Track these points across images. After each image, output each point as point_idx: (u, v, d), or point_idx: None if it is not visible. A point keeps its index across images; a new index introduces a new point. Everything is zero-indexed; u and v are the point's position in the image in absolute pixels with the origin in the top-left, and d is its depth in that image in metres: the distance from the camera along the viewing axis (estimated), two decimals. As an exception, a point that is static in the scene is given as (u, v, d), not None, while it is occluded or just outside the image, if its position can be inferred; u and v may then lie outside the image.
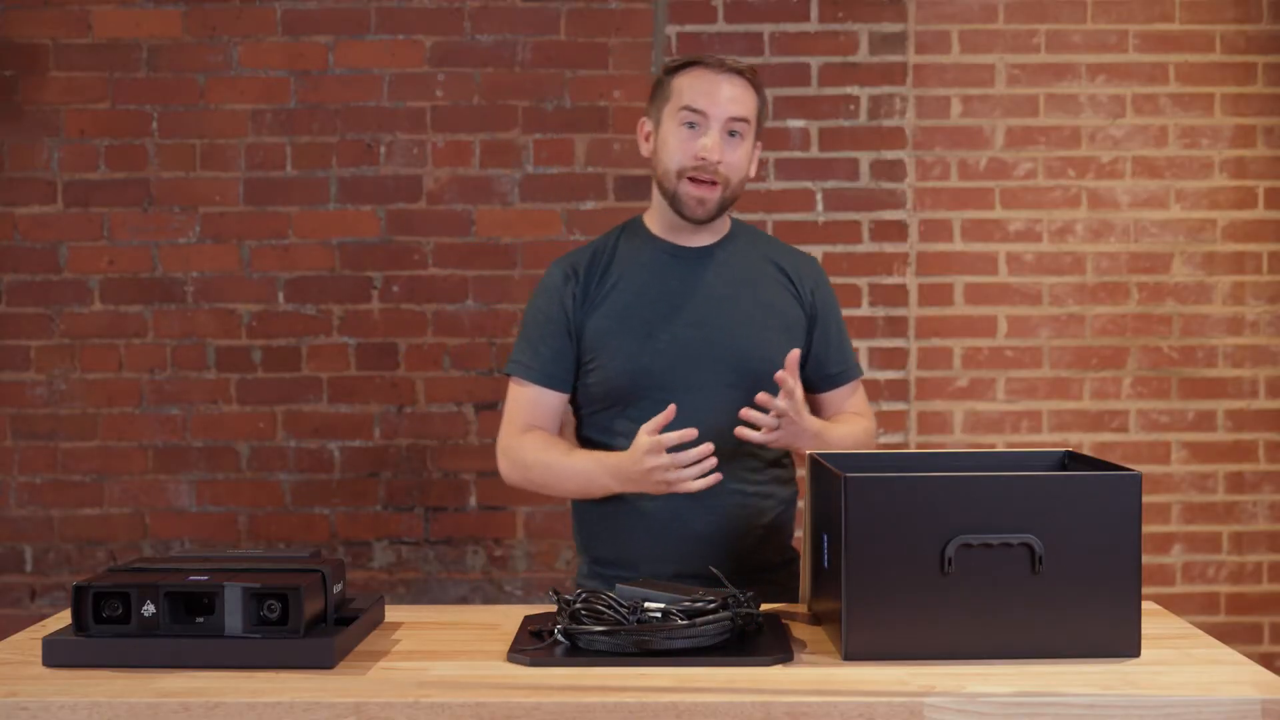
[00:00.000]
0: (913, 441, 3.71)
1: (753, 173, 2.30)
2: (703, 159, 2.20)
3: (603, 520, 2.29)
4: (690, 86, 2.23)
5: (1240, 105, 3.71)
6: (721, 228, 2.34)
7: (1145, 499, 3.54)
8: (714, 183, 2.22)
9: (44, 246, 3.67)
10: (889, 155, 3.70)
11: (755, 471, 2.27)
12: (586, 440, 2.33)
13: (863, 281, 3.69)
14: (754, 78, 2.26)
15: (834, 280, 2.67)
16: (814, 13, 3.69)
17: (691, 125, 2.22)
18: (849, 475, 1.73)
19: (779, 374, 2.08)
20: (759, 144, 2.32)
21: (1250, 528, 3.73)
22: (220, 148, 3.67)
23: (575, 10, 3.68)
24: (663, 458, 2.03)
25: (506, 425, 2.31)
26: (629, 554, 2.26)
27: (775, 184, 3.70)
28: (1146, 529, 3.60)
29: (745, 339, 2.26)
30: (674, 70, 2.28)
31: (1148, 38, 3.70)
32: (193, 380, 3.68)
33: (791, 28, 3.69)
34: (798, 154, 3.69)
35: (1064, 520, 1.73)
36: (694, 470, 2.04)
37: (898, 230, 3.69)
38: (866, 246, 3.67)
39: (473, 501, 3.68)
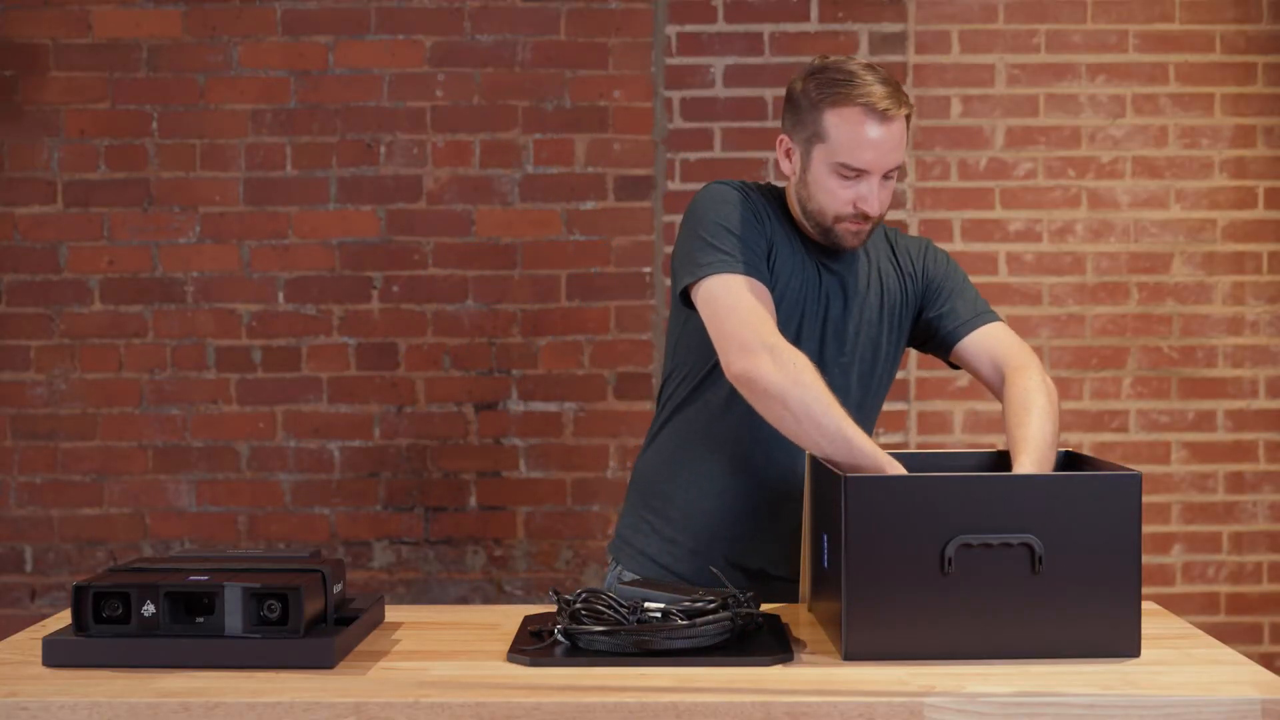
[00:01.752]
0: (913, 441, 3.71)
1: None
2: (861, 210, 2.10)
3: (681, 485, 2.24)
4: (848, 141, 2.06)
5: (1240, 105, 3.71)
6: None
7: (1145, 499, 3.54)
8: (868, 219, 2.14)
9: (44, 246, 3.67)
10: (889, 155, 3.70)
11: None
12: (671, 398, 2.26)
13: (863, 281, 3.69)
14: (910, 111, 2.11)
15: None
16: (814, 13, 3.69)
17: (848, 178, 2.09)
18: (849, 475, 1.73)
19: None
20: None
21: (1250, 528, 3.73)
22: (220, 148, 3.67)
23: (575, 10, 3.68)
24: None
25: (751, 320, 2.02)
26: (696, 526, 2.23)
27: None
28: (1146, 529, 3.61)
29: (861, 348, 2.23)
30: (828, 102, 2.07)
31: (1148, 38, 3.70)
32: (193, 380, 3.68)
33: (791, 28, 3.69)
34: (798, 154, 3.69)
35: (1064, 520, 1.73)
36: None
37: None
38: (866, 246, 3.67)
39: (473, 501, 3.69)
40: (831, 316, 2.20)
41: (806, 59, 3.68)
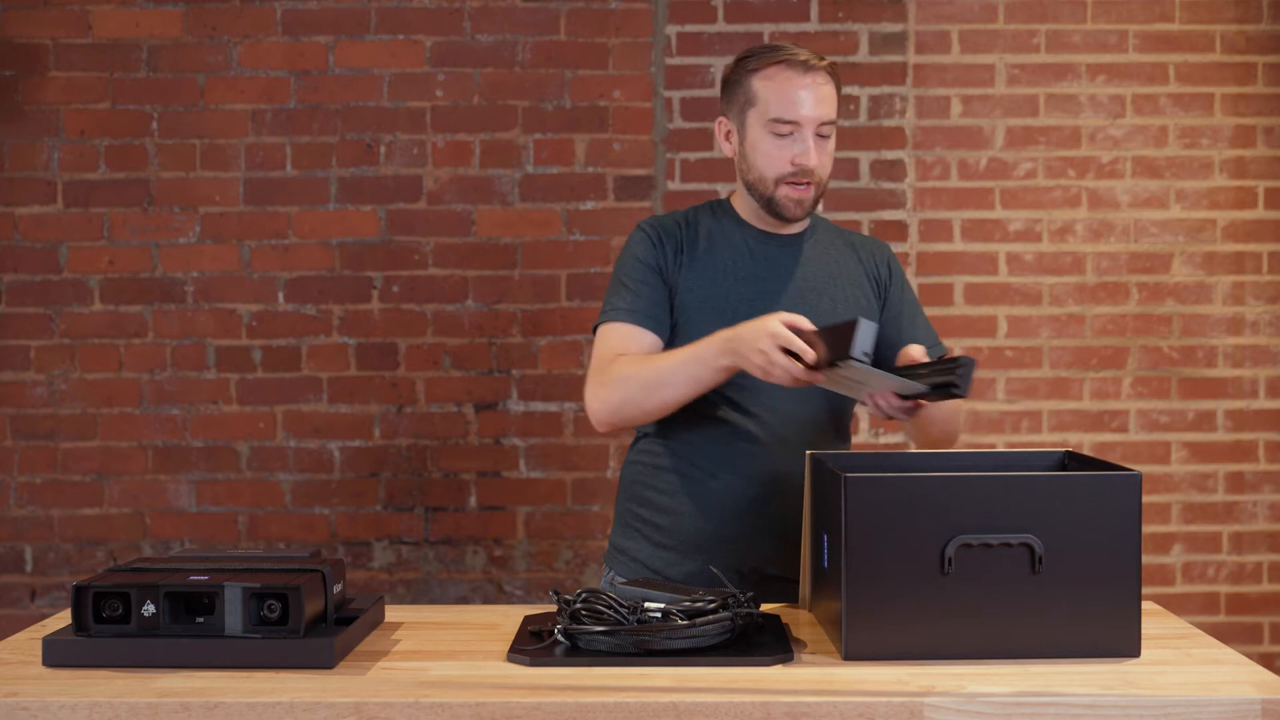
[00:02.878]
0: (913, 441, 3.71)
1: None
2: (799, 165, 2.18)
3: (667, 491, 2.26)
4: (777, 95, 2.18)
5: (1240, 105, 3.71)
6: (806, 219, 2.33)
7: (1145, 499, 3.54)
8: (809, 184, 2.21)
9: (44, 246, 3.67)
10: (889, 155, 3.70)
11: None
12: None
13: (863, 281, 3.69)
14: (834, 71, 2.22)
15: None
16: (814, 13, 3.69)
17: (782, 135, 2.19)
18: (849, 475, 1.73)
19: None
20: None
21: (1250, 528, 3.73)
22: (220, 148, 3.67)
23: (575, 10, 3.68)
24: (786, 331, 1.94)
25: (596, 365, 2.21)
26: (686, 530, 2.24)
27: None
28: (1146, 529, 3.61)
29: None
30: (752, 68, 2.22)
31: (1148, 38, 3.70)
32: (193, 380, 3.68)
33: (791, 28, 3.69)
34: (798, 154, 3.69)
35: (1064, 520, 1.73)
36: (793, 368, 1.93)
37: (898, 230, 3.69)
38: (866, 246, 3.67)
39: (473, 501, 3.69)
40: (788, 307, 2.22)
41: (806, 59, 3.69)
